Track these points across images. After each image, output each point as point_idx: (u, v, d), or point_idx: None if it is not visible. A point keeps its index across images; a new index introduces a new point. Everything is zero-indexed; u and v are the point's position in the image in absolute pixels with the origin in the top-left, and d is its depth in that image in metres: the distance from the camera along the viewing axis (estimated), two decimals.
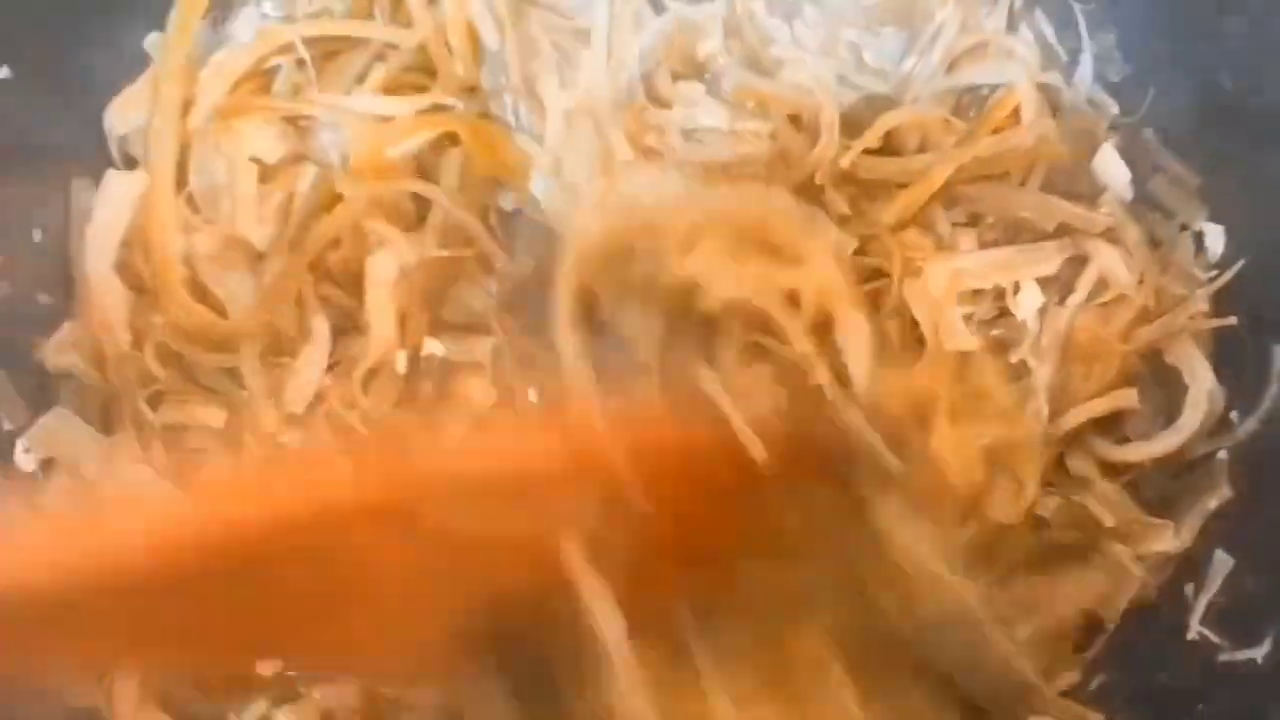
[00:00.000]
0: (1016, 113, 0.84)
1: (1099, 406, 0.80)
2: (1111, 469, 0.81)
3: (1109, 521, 0.78)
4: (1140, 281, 0.81)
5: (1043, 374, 0.79)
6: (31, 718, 0.74)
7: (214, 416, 0.78)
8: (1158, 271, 0.81)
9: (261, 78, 0.84)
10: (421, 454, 0.61)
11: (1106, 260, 0.80)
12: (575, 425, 0.61)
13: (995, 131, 0.83)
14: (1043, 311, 0.80)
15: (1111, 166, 0.84)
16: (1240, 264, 0.79)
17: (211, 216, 0.81)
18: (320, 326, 0.78)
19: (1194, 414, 0.79)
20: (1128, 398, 0.80)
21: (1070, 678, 0.78)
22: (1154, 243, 0.83)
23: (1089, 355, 0.80)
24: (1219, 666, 0.72)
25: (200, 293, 0.80)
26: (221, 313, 0.79)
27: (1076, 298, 0.80)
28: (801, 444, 0.65)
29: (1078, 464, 0.81)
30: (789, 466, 0.62)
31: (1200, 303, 0.80)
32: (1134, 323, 0.80)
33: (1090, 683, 0.78)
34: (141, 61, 0.85)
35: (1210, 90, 0.81)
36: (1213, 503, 0.78)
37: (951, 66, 0.88)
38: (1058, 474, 0.81)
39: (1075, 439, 0.81)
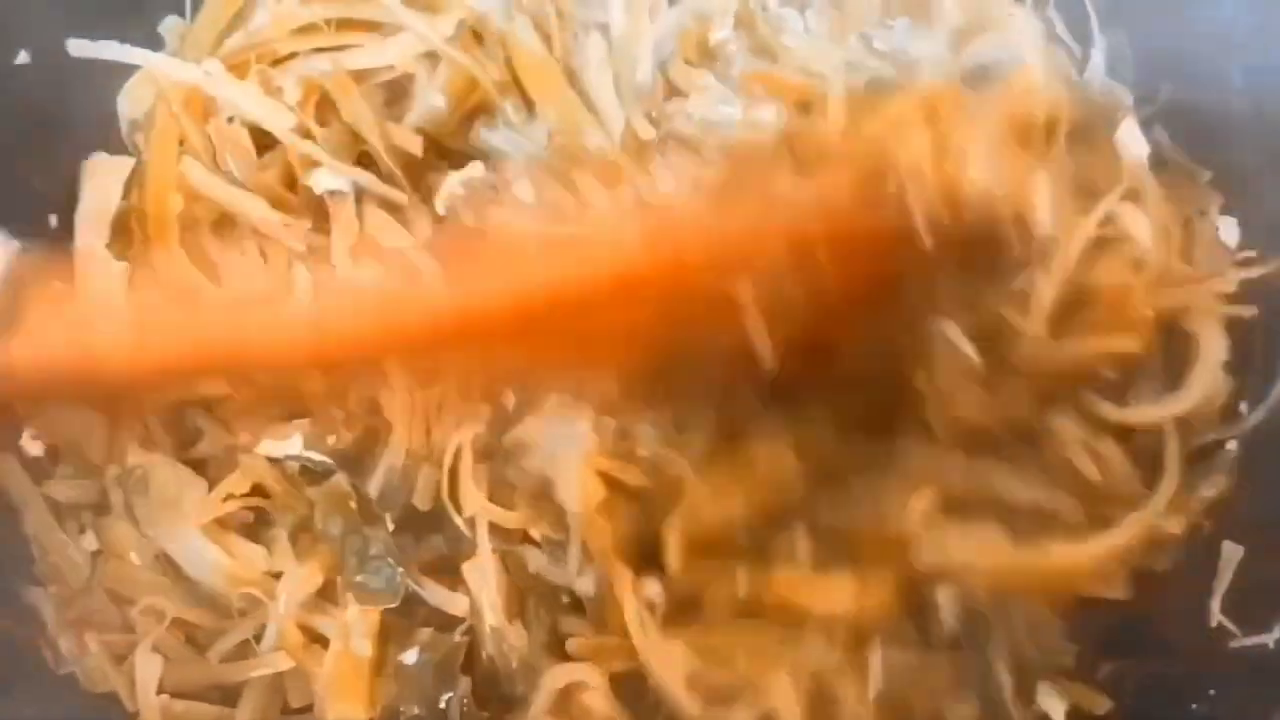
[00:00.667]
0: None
1: (1103, 344, 0.78)
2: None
3: (1095, 476, 0.77)
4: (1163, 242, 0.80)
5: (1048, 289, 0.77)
6: (53, 704, 0.75)
7: None
8: (1180, 233, 0.81)
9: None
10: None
11: (1129, 219, 0.80)
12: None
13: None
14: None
15: (1132, 142, 0.84)
16: (1276, 262, 0.79)
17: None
18: None
19: (1202, 379, 0.78)
20: (1126, 343, 0.78)
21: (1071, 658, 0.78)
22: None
23: (1112, 304, 0.78)
24: (1230, 652, 0.73)
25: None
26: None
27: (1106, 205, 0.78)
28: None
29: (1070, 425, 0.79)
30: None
31: (1229, 283, 0.79)
32: (1157, 283, 0.79)
33: (1099, 669, 0.79)
34: (158, 47, 0.85)
35: (1222, 87, 0.81)
36: (1210, 491, 0.78)
37: (959, 46, 0.88)
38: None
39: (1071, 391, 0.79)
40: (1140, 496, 0.77)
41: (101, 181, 0.80)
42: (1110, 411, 0.79)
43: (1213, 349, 0.79)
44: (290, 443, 0.74)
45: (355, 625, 0.72)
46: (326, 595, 0.74)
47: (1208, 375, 0.79)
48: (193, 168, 0.80)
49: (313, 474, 0.77)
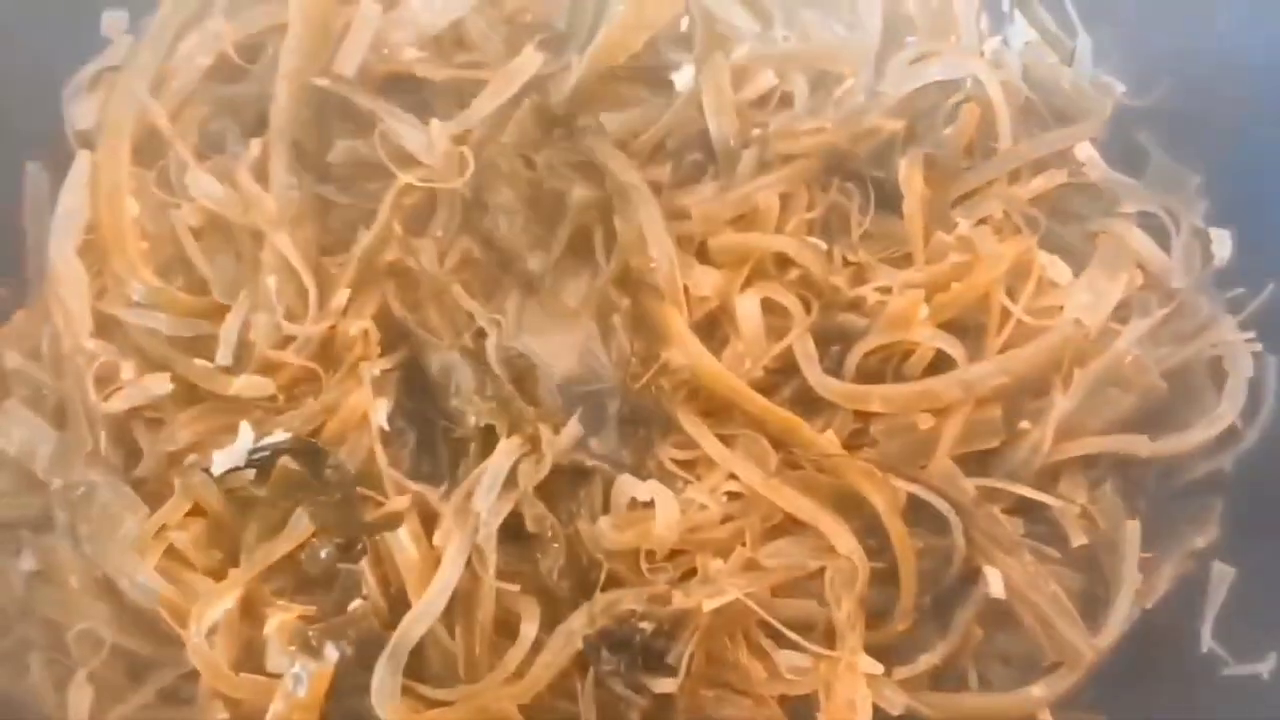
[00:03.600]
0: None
1: (1104, 444, 0.75)
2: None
3: (1078, 539, 0.73)
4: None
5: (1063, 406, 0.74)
6: None
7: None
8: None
9: None
10: None
11: (1140, 244, 0.78)
12: None
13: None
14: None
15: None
16: (1269, 289, 0.76)
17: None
18: None
19: (1233, 402, 0.75)
20: (1138, 443, 0.75)
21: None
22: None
23: (1128, 382, 0.75)
24: (1222, 681, 0.70)
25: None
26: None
27: (1141, 326, 0.75)
28: None
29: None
30: None
31: (1229, 330, 0.76)
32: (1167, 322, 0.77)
33: (1083, 694, 0.75)
34: (99, 44, 0.81)
35: (1206, 90, 0.79)
36: (1200, 542, 0.75)
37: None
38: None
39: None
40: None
41: (81, 182, 0.77)
42: (1142, 447, 0.75)
43: (1239, 367, 0.76)
44: (240, 443, 0.71)
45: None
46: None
47: (1238, 397, 0.76)
48: None
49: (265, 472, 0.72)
